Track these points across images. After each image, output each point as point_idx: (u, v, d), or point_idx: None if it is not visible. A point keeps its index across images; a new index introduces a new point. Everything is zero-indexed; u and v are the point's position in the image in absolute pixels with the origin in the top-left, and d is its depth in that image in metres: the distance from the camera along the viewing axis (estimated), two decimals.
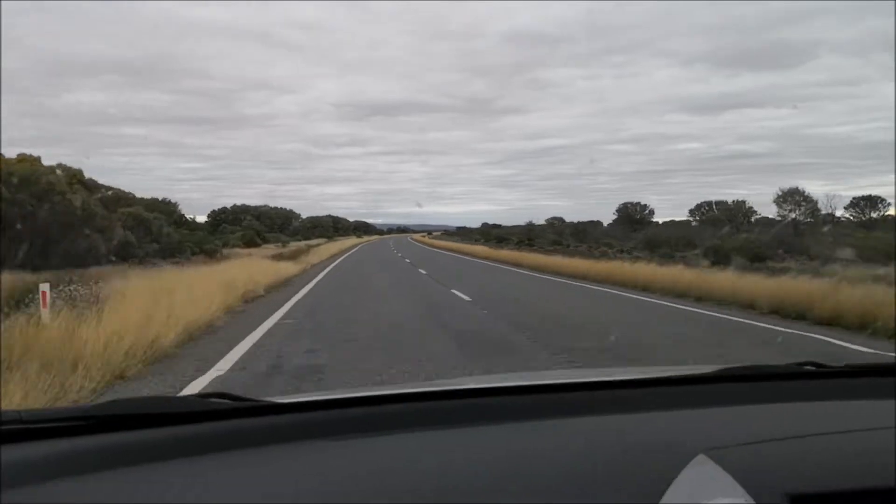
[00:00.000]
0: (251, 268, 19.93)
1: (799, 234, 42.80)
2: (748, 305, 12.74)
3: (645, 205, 79.83)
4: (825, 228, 45.65)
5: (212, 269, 18.47)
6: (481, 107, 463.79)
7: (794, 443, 1.13)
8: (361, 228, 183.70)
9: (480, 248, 50.66)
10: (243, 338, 9.01)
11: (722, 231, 41.88)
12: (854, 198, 63.99)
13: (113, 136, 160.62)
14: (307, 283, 20.14)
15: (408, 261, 35.88)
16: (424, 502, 0.96)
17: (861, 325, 9.78)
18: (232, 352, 8.02)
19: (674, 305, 13.77)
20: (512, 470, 1.06)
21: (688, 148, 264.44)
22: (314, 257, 35.24)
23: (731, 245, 30.39)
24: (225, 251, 40.58)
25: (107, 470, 1.00)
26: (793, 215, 52.03)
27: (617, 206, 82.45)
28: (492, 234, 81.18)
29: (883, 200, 60.02)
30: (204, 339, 9.07)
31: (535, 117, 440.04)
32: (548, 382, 1.52)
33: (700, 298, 14.45)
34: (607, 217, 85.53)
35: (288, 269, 23.49)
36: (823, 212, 51.85)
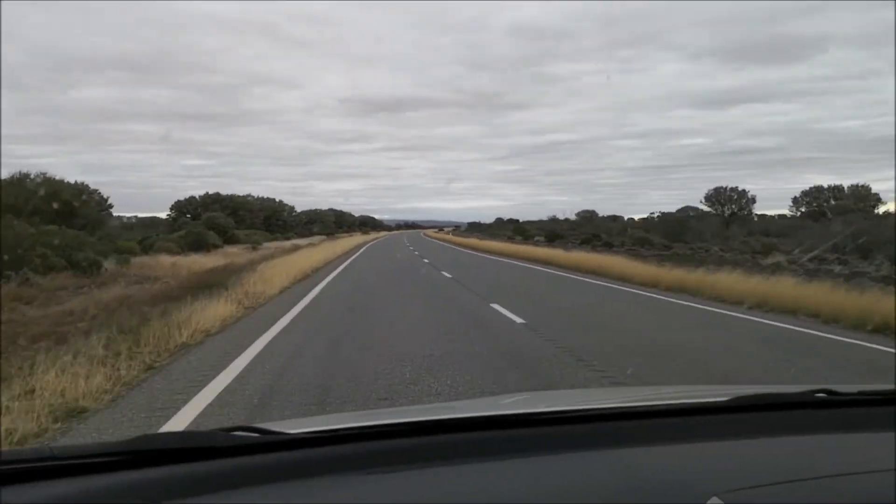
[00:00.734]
0: None
1: None
2: None
3: (744, 190, 56.64)
4: None
5: None
6: (487, 101, 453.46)
7: (805, 485, 1.12)
8: (368, 224, 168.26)
9: (524, 248, 37.09)
10: None
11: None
12: None
13: (119, 133, 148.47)
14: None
15: (467, 288, 16.37)
16: None
17: None
18: None
19: None
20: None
21: (693, 143, 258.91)
22: (283, 274, 17.79)
23: None
24: (139, 259, 25.67)
25: None
26: None
27: (705, 192, 60.27)
28: (528, 231, 65.80)
29: None
30: None
31: (540, 112, 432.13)
32: (558, 410, 1.46)
33: None
34: (608, 211, 72.76)
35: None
36: None
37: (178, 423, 4.77)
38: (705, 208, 57.62)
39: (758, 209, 57.87)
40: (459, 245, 55.17)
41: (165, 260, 26.57)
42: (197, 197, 78.27)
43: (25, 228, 18.84)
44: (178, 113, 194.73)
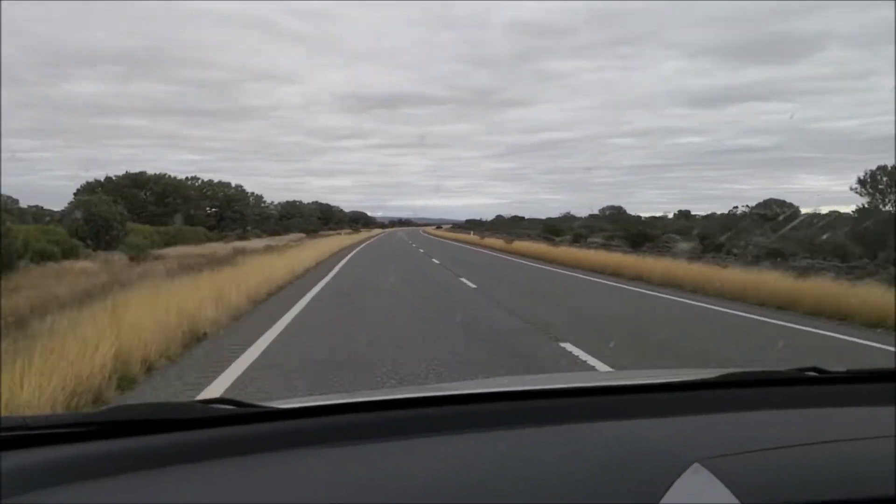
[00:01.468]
0: None
1: None
2: None
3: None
4: None
5: None
6: (484, 99, 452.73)
7: (792, 451, 1.12)
8: (360, 220, 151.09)
9: (584, 254, 26.62)
10: None
11: None
12: None
13: (114, 128, 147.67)
14: None
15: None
16: None
17: None
18: None
19: None
20: (508, 477, 1.05)
21: (689, 142, 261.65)
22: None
23: None
24: None
25: (110, 476, 1.01)
26: None
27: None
28: (562, 230, 56.49)
29: None
30: None
31: (538, 110, 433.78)
32: (546, 388, 1.46)
33: None
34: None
35: None
36: None
37: None
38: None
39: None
40: (501, 251, 38.44)
41: None
42: (113, 177, 58.76)
43: None
44: (174, 108, 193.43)
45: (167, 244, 40.86)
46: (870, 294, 11.38)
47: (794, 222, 32.62)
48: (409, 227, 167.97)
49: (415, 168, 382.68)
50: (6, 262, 20.24)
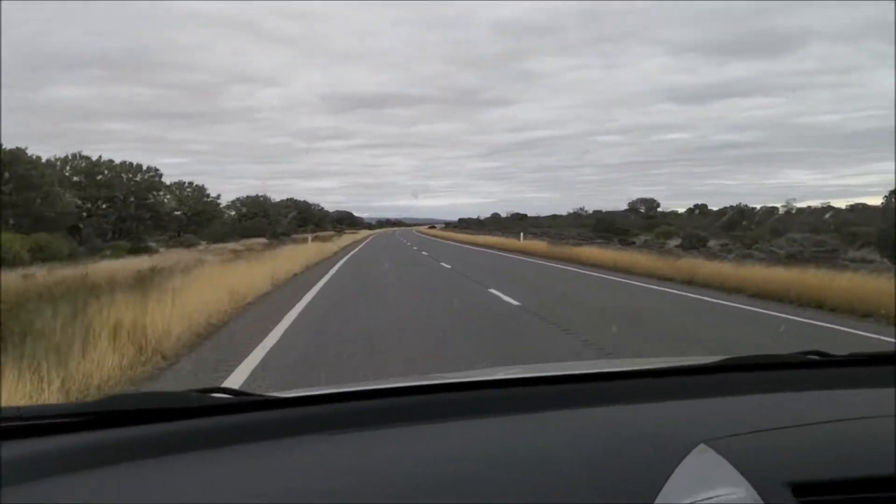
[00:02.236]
0: None
1: None
2: None
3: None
4: None
5: None
6: (469, 98, 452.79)
7: (795, 431, 1.12)
8: (345, 221, 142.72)
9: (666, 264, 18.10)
10: None
11: None
12: None
13: (96, 132, 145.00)
14: None
15: None
16: (420, 495, 0.95)
17: None
18: None
19: None
20: (509, 462, 1.04)
21: (675, 138, 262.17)
22: None
23: None
24: None
25: (106, 466, 1.00)
26: None
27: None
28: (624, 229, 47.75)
29: None
30: None
31: (522, 109, 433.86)
32: (545, 375, 1.46)
33: None
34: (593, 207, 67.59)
35: None
36: None
37: None
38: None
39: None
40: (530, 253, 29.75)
41: None
42: None
43: None
44: (157, 111, 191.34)
45: None
46: None
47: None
48: (402, 228, 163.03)
49: (400, 168, 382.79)
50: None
